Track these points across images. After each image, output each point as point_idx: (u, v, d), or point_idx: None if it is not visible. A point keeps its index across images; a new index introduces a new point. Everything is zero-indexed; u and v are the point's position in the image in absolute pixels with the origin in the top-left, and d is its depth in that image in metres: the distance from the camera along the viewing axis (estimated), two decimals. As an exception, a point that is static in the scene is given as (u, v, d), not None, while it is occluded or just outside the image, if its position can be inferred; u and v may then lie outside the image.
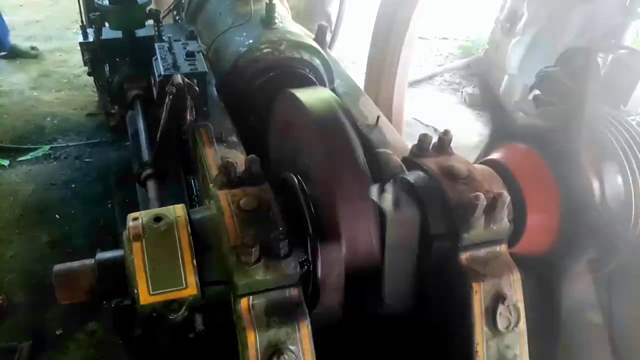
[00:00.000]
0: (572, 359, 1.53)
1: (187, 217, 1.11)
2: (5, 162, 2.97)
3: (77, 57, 4.51)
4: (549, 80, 1.91)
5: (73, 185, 2.75)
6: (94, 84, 3.67)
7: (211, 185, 1.24)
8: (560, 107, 1.63)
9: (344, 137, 1.11)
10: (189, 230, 1.08)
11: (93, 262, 1.10)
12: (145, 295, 1.04)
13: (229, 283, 1.06)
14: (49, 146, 3.14)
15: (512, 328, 1.23)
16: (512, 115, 1.54)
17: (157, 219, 1.10)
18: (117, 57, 2.22)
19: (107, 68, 2.24)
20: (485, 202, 1.20)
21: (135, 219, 1.10)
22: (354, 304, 1.21)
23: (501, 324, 1.22)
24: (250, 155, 1.23)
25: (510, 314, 1.22)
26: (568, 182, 1.36)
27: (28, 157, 3.05)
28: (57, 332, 2.04)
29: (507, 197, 1.25)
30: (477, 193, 1.20)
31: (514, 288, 1.25)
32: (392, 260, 1.22)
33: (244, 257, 1.03)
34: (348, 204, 1.08)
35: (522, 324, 1.26)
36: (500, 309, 1.21)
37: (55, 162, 3.00)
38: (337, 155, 1.11)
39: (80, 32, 2.30)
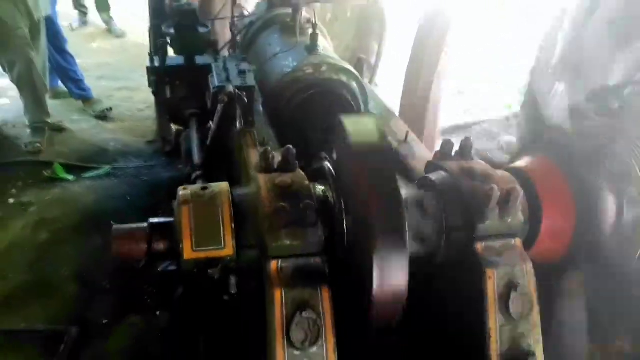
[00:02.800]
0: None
1: (229, 190, 1.27)
2: (71, 177, 3.30)
3: (140, 96, 4.97)
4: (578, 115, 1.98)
5: (128, 198, 3.02)
6: (154, 114, 4.06)
7: (251, 171, 1.40)
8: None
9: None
10: (230, 200, 1.23)
11: (146, 225, 1.27)
12: (189, 251, 1.18)
13: (261, 247, 1.19)
14: (110, 166, 3.47)
15: (526, 316, 1.29)
16: (545, 127, 1.62)
17: (204, 188, 1.26)
18: (178, 80, 2.47)
19: (168, 89, 2.49)
20: (499, 194, 1.30)
21: (184, 189, 1.27)
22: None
23: (514, 311, 1.27)
24: (287, 146, 1.38)
25: (524, 302, 1.29)
26: (585, 199, 1.43)
27: (91, 174, 3.38)
28: (103, 322, 2.21)
29: (520, 192, 1.34)
30: (492, 185, 1.30)
31: (527, 278, 1.31)
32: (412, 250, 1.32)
33: (275, 223, 1.16)
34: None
35: (536, 315, 1.31)
36: (513, 296, 1.28)
37: (115, 179, 3.31)
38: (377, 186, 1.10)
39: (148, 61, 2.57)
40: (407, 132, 1.92)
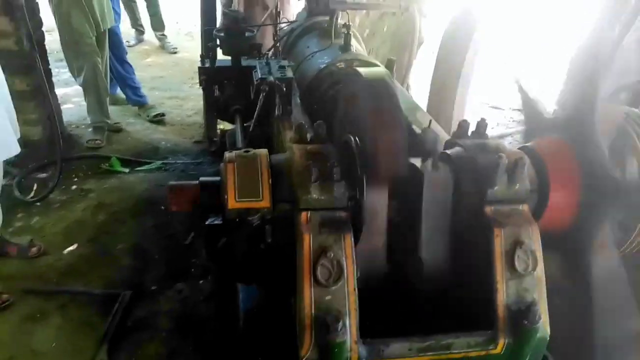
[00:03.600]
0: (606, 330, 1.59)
1: (267, 154, 1.46)
2: (126, 170, 3.61)
3: (189, 104, 5.30)
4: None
5: (177, 188, 3.27)
6: (202, 119, 4.35)
7: (287, 143, 1.58)
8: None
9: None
10: (268, 160, 1.42)
11: (197, 182, 1.47)
12: (233, 202, 1.37)
13: (293, 200, 1.36)
14: (161, 161, 3.77)
15: (530, 271, 1.39)
16: (542, 113, 1.76)
17: (246, 151, 1.45)
18: (225, 79, 2.71)
19: (216, 87, 2.73)
20: (506, 162, 1.43)
21: (230, 152, 1.47)
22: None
23: (519, 266, 1.39)
24: (318, 121, 1.56)
25: (528, 259, 1.40)
26: (588, 159, 1.54)
27: (144, 167, 3.68)
28: (152, 288, 2.44)
29: (527, 161, 1.47)
30: (500, 154, 1.44)
31: (532, 238, 1.42)
32: (428, 216, 1.46)
33: (305, 179, 1.33)
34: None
35: (540, 271, 1.41)
36: (519, 252, 1.39)
37: (165, 173, 3.59)
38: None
39: (200, 62, 2.82)
40: (430, 120, 2.06)
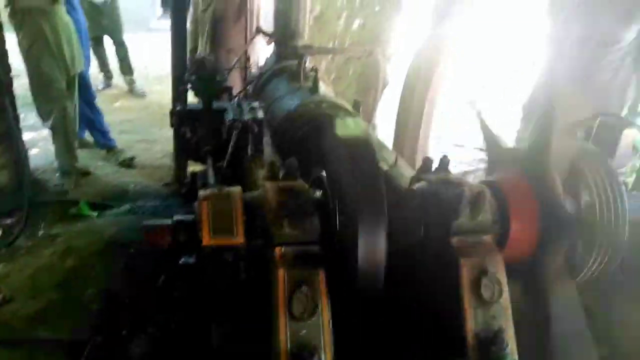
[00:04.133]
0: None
1: (241, 191, 1.49)
2: (95, 214, 3.55)
3: (159, 147, 5.30)
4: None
5: (147, 230, 3.23)
6: (172, 162, 4.35)
7: (259, 181, 1.62)
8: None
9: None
10: (242, 198, 1.45)
11: (172, 221, 1.48)
12: (207, 239, 1.38)
13: (267, 236, 1.39)
14: (130, 205, 3.72)
15: (496, 299, 1.45)
16: (503, 146, 1.86)
17: (220, 189, 1.48)
18: (196, 121, 2.75)
19: (188, 130, 2.77)
20: (469, 194, 1.51)
21: (205, 190, 1.49)
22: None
23: (485, 294, 1.43)
24: (290, 159, 1.61)
25: (494, 287, 1.45)
26: (544, 193, 1.64)
27: (113, 211, 3.63)
28: (123, 332, 2.37)
29: (487, 193, 1.55)
30: (463, 187, 1.52)
31: (497, 268, 1.48)
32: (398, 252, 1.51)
33: (278, 215, 1.37)
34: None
35: (505, 299, 1.47)
36: (484, 281, 1.44)
37: (134, 216, 3.55)
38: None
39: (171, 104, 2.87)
40: (397, 157, 2.15)
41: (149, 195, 3.94)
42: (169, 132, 4.88)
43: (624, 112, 3.37)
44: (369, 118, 3.78)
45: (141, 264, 2.82)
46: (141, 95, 7.07)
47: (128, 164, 4.52)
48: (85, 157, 4.53)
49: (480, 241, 1.52)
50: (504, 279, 1.48)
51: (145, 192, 3.98)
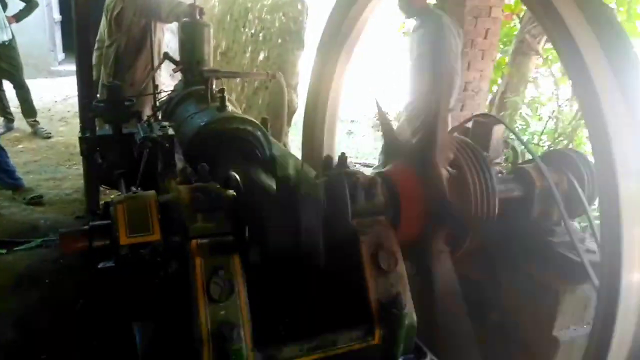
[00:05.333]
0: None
1: (155, 193, 1.55)
2: (3, 251, 3.33)
3: (68, 184, 5.08)
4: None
5: (61, 261, 3.10)
6: (82, 196, 4.21)
7: (174, 184, 1.69)
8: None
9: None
10: (156, 198, 1.51)
11: (88, 227, 1.51)
12: (124, 238, 1.43)
13: (183, 231, 1.46)
14: (41, 239, 3.53)
15: (393, 269, 1.62)
16: (398, 139, 2.08)
17: (134, 193, 1.54)
18: (107, 147, 2.74)
19: (98, 156, 2.74)
20: (363, 182, 1.69)
21: (119, 196, 1.54)
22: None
23: (383, 265, 1.60)
24: (202, 164, 1.70)
25: (390, 258, 1.62)
26: (429, 182, 1.86)
27: (23, 247, 3.42)
28: (42, 357, 2.25)
29: (379, 179, 1.74)
30: (357, 176, 1.70)
31: (392, 242, 1.66)
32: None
33: (192, 209, 1.45)
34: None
35: (401, 268, 1.64)
36: (381, 254, 1.60)
37: (47, 249, 3.37)
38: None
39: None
40: (302, 163, 2.30)
41: (60, 228, 3.73)
42: (78, 170, 4.73)
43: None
44: (279, 139, 3.94)
45: (58, 292, 2.70)
46: (46, 136, 6.71)
47: (36, 201, 4.29)
48: (-11, 199, 4.26)
49: (376, 221, 1.70)
50: (398, 251, 1.66)
51: (57, 226, 3.77)
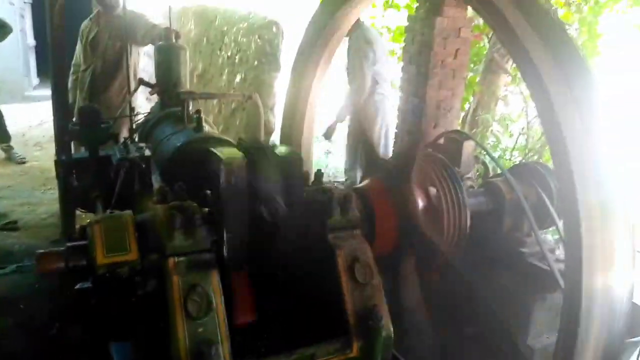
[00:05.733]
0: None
1: (132, 213, 1.56)
2: (-24, 279, 3.26)
3: (43, 208, 4.99)
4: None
5: (36, 285, 3.04)
6: (58, 220, 4.14)
7: (150, 204, 1.70)
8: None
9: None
10: (133, 218, 1.52)
11: (64, 247, 1.50)
12: (101, 257, 1.43)
13: (161, 249, 1.47)
14: (15, 265, 3.45)
15: (369, 281, 1.65)
16: (379, 159, 2.13)
17: (111, 212, 1.54)
18: (83, 169, 2.72)
19: (74, 178, 2.73)
20: (338, 197, 1.72)
21: (95, 217, 1.54)
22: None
23: (359, 277, 1.63)
24: (179, 183, 1.71)
25: (366, 271, 1.65)
26: (400, 200, 1.92)
27: (-3, 273, 3.35)
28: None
29: (353, 195, 1.78)
30: (333, 192, 1.74)
31: (367, 255, 1.69)
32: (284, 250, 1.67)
33: (170, 226, 1.46)
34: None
35: (377, 281, 1.67)
36: (357, 266, 1.63)
37: (22, 275, 3.29)
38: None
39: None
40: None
41: (35, 254, 3.67)
42: (53, 194, 4.66)
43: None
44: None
45: (34, 316, 2.64)
46: (20, 161, 6.60)
47: (11, 227, 4.21)
48: (-40, 226, 4.15)
49: (352, 234, 1.73)
50: (373, 264, 1.69)
51: (32, 251, 3.68)
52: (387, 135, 4.76)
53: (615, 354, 1.34)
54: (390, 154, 5.02)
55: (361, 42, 4.54)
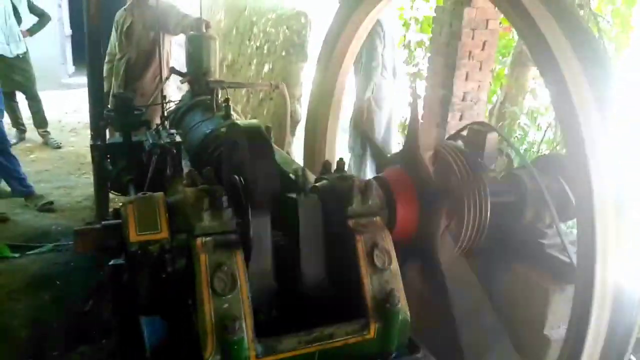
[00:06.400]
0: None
1: (163, 194, 1.64)
2: (17, 254, 3.44)
3: (78, 192, 5.20)
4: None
5: (72, 264, 3.20)
6: (93, 204, 4.31)
7: (180, 187, 1.78)
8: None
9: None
10: (164, 199, 1.60)
11: (100, 225, 1.60)
12: (134, 235, 1.51)
13: (189, 229, 1.55)
14: (53, 244, 3.64)
15: (387, 266, 1.69)
16: (385, 153, 2.18)
17: (144, 194, 1.63)
18: (117, 154, 2.84)
19: (109, 162, 2.85)
20: (358, 185, 1.77)
21: (129, 197, 1.63)
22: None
23: (378, 263, 1.67)
24: (207, 167, 1.78)
25: (384, 256, 1.70)
26: (418, 178, 1.95)
27: (36, 251, 3.53)
28: (54, 354, 2.33)
29: (374, 182, 1.82)
30: (353, 179, 1.78)
31: (386, 241, 1.73)
32: (305, 236, 1.73)
33: (197, 208, 1.54)
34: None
35: (395, 266, 1.71)
36: (376, 252, 1.67)
37: (59, 253, 3.48)
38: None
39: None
40: (304, 168, 2.39)
41: (71, 234, 3.82)
42: (88, 179, 4.84)
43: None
44: (282, 148, 4.04)
45: (69, 292, 2.79)
46: (56, 147, 6.86)
47: (48, 208, 4.40)
48: (2, 205, 4.36)
49: (371, 221, 1.77)
50: (392, 250, 1.73)
51: (68, 231, 3.88)
52: (389, 122, 4.77)
53: (625, 347, 1.35)
54: (393, 137, 5.05)
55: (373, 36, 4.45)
